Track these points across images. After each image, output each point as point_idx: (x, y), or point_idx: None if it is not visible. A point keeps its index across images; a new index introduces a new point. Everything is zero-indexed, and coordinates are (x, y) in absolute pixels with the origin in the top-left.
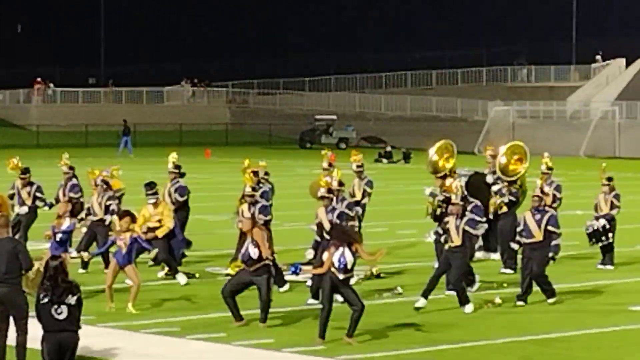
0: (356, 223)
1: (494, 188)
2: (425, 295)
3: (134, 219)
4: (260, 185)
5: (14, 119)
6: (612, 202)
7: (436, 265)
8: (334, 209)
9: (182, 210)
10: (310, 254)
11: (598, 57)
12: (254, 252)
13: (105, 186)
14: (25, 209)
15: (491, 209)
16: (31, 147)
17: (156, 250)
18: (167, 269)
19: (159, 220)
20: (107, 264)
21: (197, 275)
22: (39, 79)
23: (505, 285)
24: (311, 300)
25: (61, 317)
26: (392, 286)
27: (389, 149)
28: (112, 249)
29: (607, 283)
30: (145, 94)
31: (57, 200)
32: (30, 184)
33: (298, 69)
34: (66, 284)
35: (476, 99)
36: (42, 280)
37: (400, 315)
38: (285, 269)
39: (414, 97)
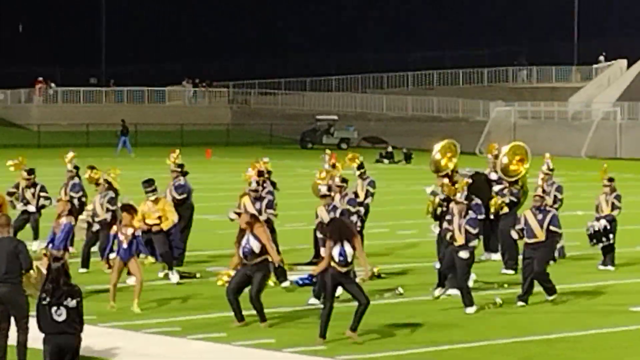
0: (354, 218)
1: (495, 188)
2: (441, 284)
3: (134, 214)
4: (265, 185)
5: (15, 118)
6: (613, 203)
7: (437, 265)
8: (335, 207)
9: (184, 209)
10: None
11: (601, 57)
12: (256, 246)
13: (107, 186)
14: (32, 208)
15: (492, 209)
16: (32, 147)
17: (151, 260)
18: (167, 268)
19: (159, 217)
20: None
21: (197, 275)
22: (40, 79)
23: (506, 285)
24: (312, 300)
25: (60, 318)
26: (393, 286)
27: (390, 149)
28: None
29: (607, 284)
30: (147, 94)
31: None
32: (34, 185)
33: (298, 69)
34: (68, 287)
35: (477, 100)
36: (45, 282)
37: (401, 315)
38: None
39: (415, 98)
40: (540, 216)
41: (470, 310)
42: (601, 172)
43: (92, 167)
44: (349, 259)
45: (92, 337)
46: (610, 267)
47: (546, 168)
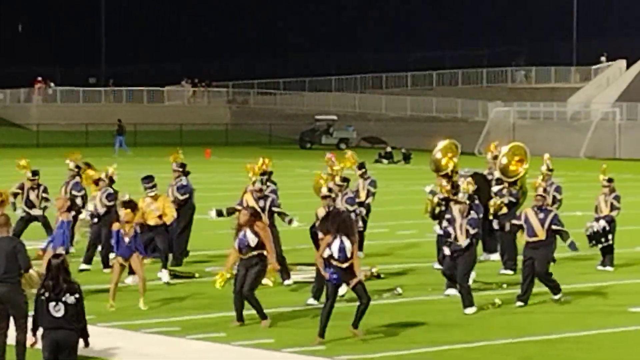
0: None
1: (494, 189)
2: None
3: (134, 210)
4: (268, 184)
5: (14, 118)
6: (612, 203)
7: (436, 265)
8: (335, 207)
9: (185, 209)
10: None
11: (603, 58)
12: (252, 240)
13: (107, 182)
14: (37, 211)
15: (491, 210)
16: (31, 147)
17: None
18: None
19: (160, 216)
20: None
21: (196, 275)
22: (39, 79)
23: (504, 286)
24: (311, 301)
25: (58, 314)
26: (392, 286)
27: (389, 149)
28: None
29: (606, 284)
30: (146, 94)
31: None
32: (38, 186)
33: (298, 69)
34: (68, 284)
35: (476, 100)
36: (45, 278)
37: (400, 315)
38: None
39: (414, 98)
40: (541, 215)
41: (470, 310)
42: (600, 172)
43: (88, 165)
44: (349, 254)
45: (91, 336)
46: (609, 268)
47: (545, 168)
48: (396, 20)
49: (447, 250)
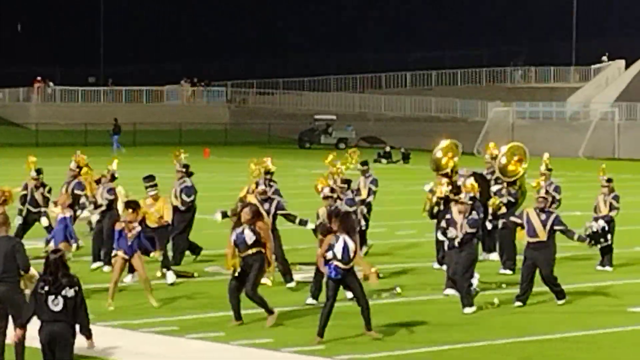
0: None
1: (493, 188)
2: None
3: (137, 210)
4: (272, 184)
5: (14, 117)
6: (611, 203)
7: (436, 265)
8: (336, 208)
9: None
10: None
11: (604, 57)
12: (250, 238)
13: (109, 177)
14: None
15: (490, 210)
16: (30, 146)
17: (161, 252)
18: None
19: (160, 218)
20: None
21: (195, 274)
22: (38, 78)
23: (504, 285)
24: (310, 300)
25: (57, 308)
26: (391, 286)
27: (388, 149)
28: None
29: (606, 284)
30: (145, 94)
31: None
32: (43, 185)
33: (298, 69)
34: (67, 278)
35: (475, 100)
36: (43, 273)
37: (399, 315)
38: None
39: (413, 98)
40: (543, 216)
41: (469, 310)
42: (599, 172)
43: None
44: (352, 255)
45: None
46: (608, 268)
47: (544, 168)
48: (396, 20)
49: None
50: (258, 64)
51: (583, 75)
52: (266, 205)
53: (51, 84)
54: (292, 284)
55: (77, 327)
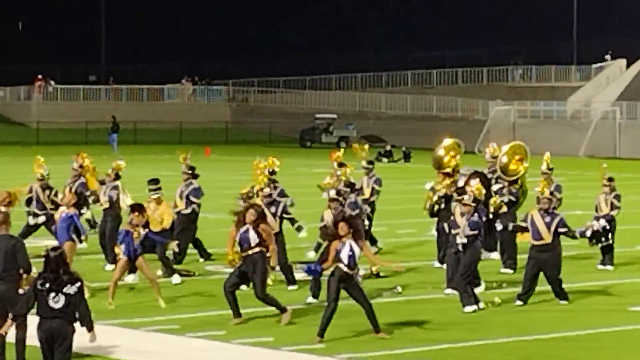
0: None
1: (494, 187)
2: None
3: (142, 213)
4: (277, 186)
5: (15, 116)
6: (612, 202)
7: (436, 264)
8: (342, 212)
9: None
10: (310, 254)
11: (607, 56)
12: (253, 238)
13: (114, 177)
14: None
15: (491, 209)
16: (31, 144)
17: (176, 241)
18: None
19: (161, 221)
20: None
21: (196, 273)
22: (39, 76)
23: (504, 285)
24: (310, 299)
25: (57, 305)
26: (392, 285)
27: (389, 148)
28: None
29: (607, 283)
30: (146, 92)
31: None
32: (50, 188)
33: (298, 69)
34: (68, 275)
35: (476, 99)
36: (44, 271)
37: (400, 314)
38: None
39: (414, 96)
40: (547, 218)
41: (469, 309)
42: (600, 171)
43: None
44: (357, 260)
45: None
46: (609, 267)
47: (545, 167)
48: (396, 20)
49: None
50: (258, 65)
51: (584, 74)
52: (272, 209)
53: (52, 82)
54: (293, 287)
55: (78, 320)
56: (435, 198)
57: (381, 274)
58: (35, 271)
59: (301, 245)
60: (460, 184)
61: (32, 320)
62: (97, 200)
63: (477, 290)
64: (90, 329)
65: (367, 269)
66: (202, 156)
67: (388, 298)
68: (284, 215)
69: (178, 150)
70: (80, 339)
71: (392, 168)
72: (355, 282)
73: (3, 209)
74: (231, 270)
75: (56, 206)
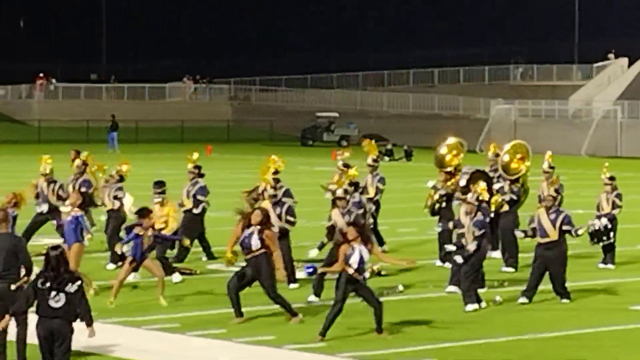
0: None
1: (496, 186)
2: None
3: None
4: (281, 186)
5: (16, 114)
6: (613, 201)
7: (438, 263)
8: (349, 211)
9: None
10: (313, 253)
11: (611, 55)
12: (255, 243)
13: (118, 178)
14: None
15: (492, 207)
16: (32, 143)
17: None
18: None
19: (165, 222)
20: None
21: (197, 271)
22: (41, 75)
23: (505, 283)
24: (312, 298)
25: (58, 304)
26: (393, 284)
27: (390, 146)
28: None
29: (608, 282)
30: (147, 91)
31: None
32: (54, 182)
33: (298, 69)
34: (69, 274)
35: (478, 97)
36: (44, 269)
37: (401, 312)
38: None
39: (415, 95)
40: (552, 216)
41: (470, 307)
42: (602, 170)
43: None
44: (366, 266)
45: None
46: (610, 266)
47: (547, 166)
48: (396, 20)
49: (459, 259)
50: (258, 64)
51: (585, 73)
52: (277, 210)
53: (54, 80)
54: (294, 285)
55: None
56: (436, 197)
57: (382, 272)
58: (35, 270)
59: (299, 244)
60: (462, 183)
61: (33, 318)
62: (98, 205)
63: (480, 291)
64: (89, 324)
65: (369, 268)
66: (204, 154)
67: (389, 297)
68: (289, 218)
69: (189, 150)
70: (81, 337)
71: (394, 167)
72: (364, 282)
73: (10, 209)
74: (231, 269)
75: (62, 200)
